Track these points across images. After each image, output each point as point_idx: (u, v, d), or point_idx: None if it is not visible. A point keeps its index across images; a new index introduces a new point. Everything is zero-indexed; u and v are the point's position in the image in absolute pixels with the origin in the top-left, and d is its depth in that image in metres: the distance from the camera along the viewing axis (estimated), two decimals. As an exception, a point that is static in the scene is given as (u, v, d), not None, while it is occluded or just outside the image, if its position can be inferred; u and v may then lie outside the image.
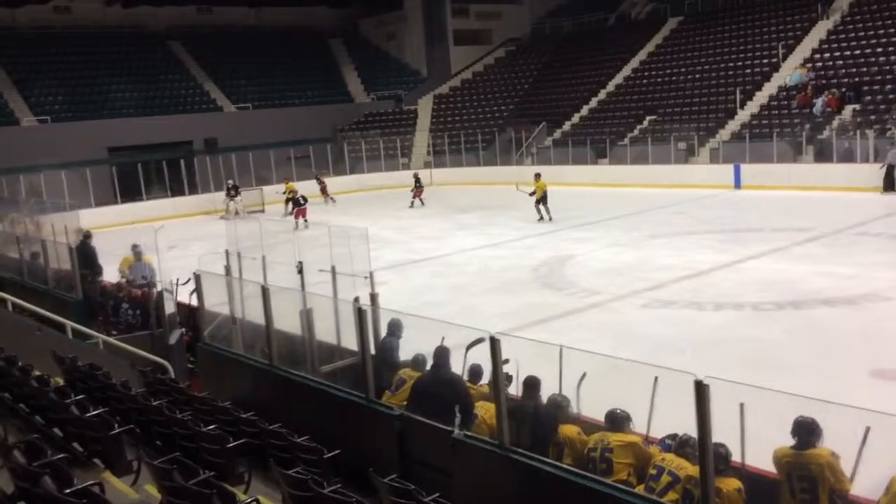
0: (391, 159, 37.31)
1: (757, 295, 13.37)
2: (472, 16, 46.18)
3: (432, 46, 45.57)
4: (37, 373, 7.69)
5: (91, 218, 23.46)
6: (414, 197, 29.36)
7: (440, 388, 6.81)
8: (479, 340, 6.57)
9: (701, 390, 4.39)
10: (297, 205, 26.45)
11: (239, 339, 9.38)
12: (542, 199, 23.40)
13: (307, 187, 29.48)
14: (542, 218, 23.35)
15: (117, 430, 6.13)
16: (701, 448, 4.57)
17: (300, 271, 10.21)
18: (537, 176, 24.03)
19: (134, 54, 39.73)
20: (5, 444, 5.43)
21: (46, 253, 13.77)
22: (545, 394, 6.20)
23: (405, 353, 7.88)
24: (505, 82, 42.61)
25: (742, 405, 5.08)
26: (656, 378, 5.42)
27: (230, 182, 30.30)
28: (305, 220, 25.45)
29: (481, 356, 6.44)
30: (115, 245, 16.36)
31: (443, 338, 7.02)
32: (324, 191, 30.99)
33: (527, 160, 34.79)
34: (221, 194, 30.68)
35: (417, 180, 29.74)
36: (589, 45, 40.91)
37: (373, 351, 7.47)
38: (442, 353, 6.95)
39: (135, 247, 14.39)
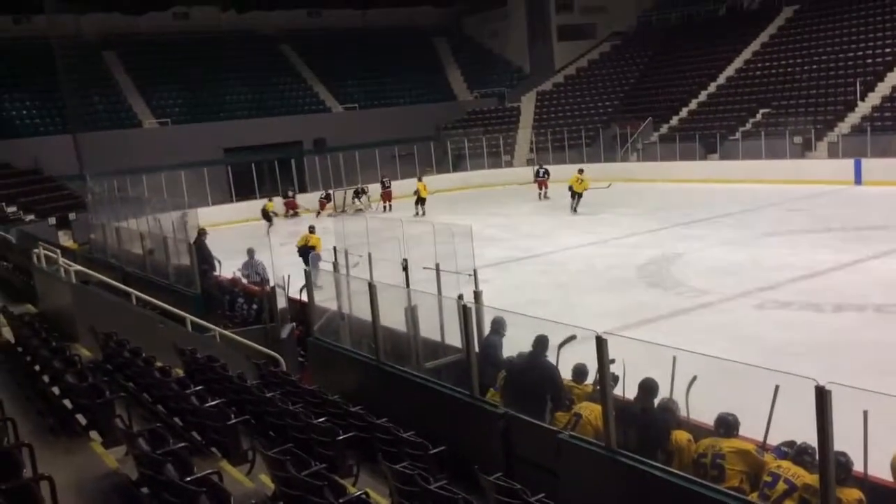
0: (494, 157, 37.31)
1: (880, 296, 12.68)
2: (577, 10, 45.54)
3: (535, 43, 45.28)
4: (159, 364, 8.08)
5: (208, 215, 24.56)
6: (541, 188, 29.80)
7: (531, 373, 6.87)
8: (572, 338, 6.51)
9: (822, 396, 4.21)
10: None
11: (347, 335, 9.60)
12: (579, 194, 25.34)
13: (408, 185, 29.97)
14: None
15: (234, 421, 6.37)
16: (821, 457, 4.40)
17: (405, 268, 10.36)
18: (581, 171, 26.13)
19: (247, 58, 41.26)
20: (130, 431, 5.73)
21: (167, 249, 14.45)
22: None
23: (509, 350, 7.87)
24: (610, 77, 41.87)
25: (866, 412, 4.85)
26: (777, 387, 5.21)
27: (361, 186, 31.32)
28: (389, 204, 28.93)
29: (587, 356, 6.37)
30: (231, 241, 17.06)
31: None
32: (386, 195, 30.63)
33: (632, 156, 34.12)
34: (340, 193, 31.47)
35: (546, 172, 30.14)
36: (698, 37, 39.69)
37: (477, 348, 7.50)
38: (540, 342, 6.94)
39: (249, 250, 15.02)
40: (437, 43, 47.91)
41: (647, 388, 5.90)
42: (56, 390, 7.22)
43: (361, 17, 45.84)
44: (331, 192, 31.65)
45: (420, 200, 28.30)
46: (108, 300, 11.58)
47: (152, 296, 12.26)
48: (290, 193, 31.67)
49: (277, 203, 30.22)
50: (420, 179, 29.60)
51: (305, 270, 10.55)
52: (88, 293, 11.42)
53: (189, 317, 11.28)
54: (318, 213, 29.68)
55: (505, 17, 46.62)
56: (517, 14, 45.83)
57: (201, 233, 15.05)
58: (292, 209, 31.12)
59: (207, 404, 6.53)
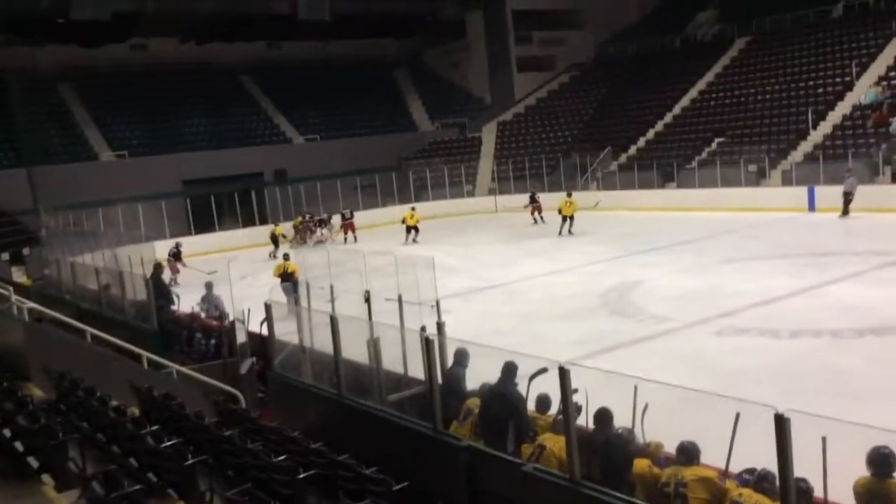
0: (456, 186, 37.49)
1: (836, 322, 12.89)
2: (536, 42, 46.28)
3: (496, 74, 45.84)
4: (115, 403, 7.89)
5: (166, 249, 24.21)
6: (534, 213, 30.25)
7: (498, 403, 6.84)
8: (543, 370, 6.50)
9: (781, 424, 4.24)
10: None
11: (308, 369, 9.48)
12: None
13: (373, 215, 29.94)
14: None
15: (191, 461, 6.22)
16: (782, 483, 4.41)
17: (367, 300, 10.29)
18: (570, 195, 27.53)
19: (207, 89, 41.08)
20: (84, 474, 5.57)
21: (123, 284, 14.20)
22: (617, 425, 6.08)
23: (472, 382, 7.83)
24: (569, 108, 42.49)
25: (824, 438, 4.89)
26: (738, 414, 5.24)
27: (326, 215, 31.09)
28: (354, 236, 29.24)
29: (550, 385, 6.36)
30: (189, 275, 16.82)
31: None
32: (348, 226, 30.45)
33: (592, 185, 34.51)
34: (290, 224, 31.26)
35: (535, 198, 30.65)
36: (654, 69, 40.51)
37: (440, 380, 7.45)
38: (508, 369, 6.92)
39: (208, 283, 14.84)
40: (399, 74, 48.24)
41: (603, 417, 5.94)
42: (7, 433, 7.00)
43: (322, 49, 46.01)
44: (325, 216, 31.31)
45: (412, 229, 28.50)
46: (61, 338, 11.31)
47: (108, 332, 12.01)
48: (347, 215, 31.04)
49: (286, 228, 30.02)
50: (413, 209, 29.72)
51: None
52: (41, 331, 11.15)
53: (145, 353, 11.06)
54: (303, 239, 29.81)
55: (465, 49, 47.17)
56: (477, 46, 46.41)
57: (158, 267, 14.84)
58: (351, 231, 30.43)
59: (164, 444, 6.38)
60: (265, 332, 10.35)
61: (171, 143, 37.24)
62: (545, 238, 26.21)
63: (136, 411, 8.41)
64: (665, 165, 32.30)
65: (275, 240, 28.29)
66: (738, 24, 39.08)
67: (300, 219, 31.01)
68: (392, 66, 48.25)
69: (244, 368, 11.35)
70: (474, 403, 7.33)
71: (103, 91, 38.75)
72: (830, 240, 21.09)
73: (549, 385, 6.20)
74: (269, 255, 26.55)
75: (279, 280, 16.91)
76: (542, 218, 29.95)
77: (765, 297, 15.01)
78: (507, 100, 44.83)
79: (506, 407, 6.77)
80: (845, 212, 23.85)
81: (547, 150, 38.38)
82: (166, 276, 21.53)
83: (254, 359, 11.63)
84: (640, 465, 5.66)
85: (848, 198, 23.68)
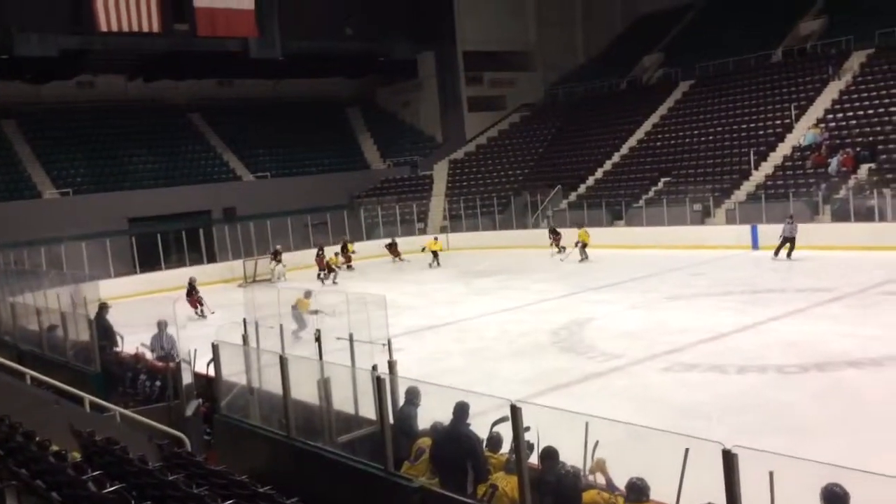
0: (408, 224, 37.54)
1: (781, 357, 13.16)
2: (486, 83, 46.96)
3: (447, 113, 46.30)
4: (55, 448, 7.62)
5: (111, 288, 23.66)
6: (555, 244, 30.19)
7: (453, 443, 6.76)
8: (505, 419, 6.46)
9: (729, 459, 4.29)
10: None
11: (256, 410, 9.30)
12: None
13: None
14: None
15: (134, 507, 6.03)
16: (731, 520, 4.44)
17: (318, 339, 10.18)
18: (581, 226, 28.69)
19: (155, 127, 40.61)
20: (20, 522, 5.35)
21: (66, 325, 13.82)
22: (568, 461, 6.08)
23: (424, 421, 7.77)
24: (519, 147, 43.07)
25: (771, 473, 4.94)
26: (687, 450, 5.29)
27: (278, 247, 30.79)
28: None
29: (501, 423, 6.34)
30: (134, 315, 16.46)
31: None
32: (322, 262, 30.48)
33: (543, 223, 34.88)
34: (239, 262, 30.90)
35: (556, 231, 30.82)
36: (602, 110, 41.40)
37: (391, 420, 7.37)
38: (461, 409, 6.86)
39: (160, 322, 14.50)
40: (350, 113, 48.41)
41: (549, 455, 5.94)
42: (-62, 480, 6.71)
43: (273, 88, 45.99)
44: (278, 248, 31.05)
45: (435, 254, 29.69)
46: (0, 380, 10.94)
47: (49, 375, 11.64)
48: (438, 237, 31.79)
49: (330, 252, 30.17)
50: (437, 239, 31.45)
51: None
52: (-22, 373, 10.76)
53: (87, 396, 10.74)
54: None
55: (417, 89, 47.60)
56: (428, 85, 46.89)
57: (102, 307, 14.47)
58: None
59: (106, 490, 6.18)
60: (212, 372, 10.15)
61: (117, 180, 36.65)
62: (496, 276, 26.33)
63: (77, 456, 8.13)
64: (614, 204, 32.86)
65: (329, 267, 28.85)
66: (682, 68, 40.23)
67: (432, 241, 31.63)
68: (344, 104, 48.41)
69: (190, 410, 11.08)
70: (425, 443, 7.26)
71: (48, 128, 38.04)
72: (773, 277, 21.61)
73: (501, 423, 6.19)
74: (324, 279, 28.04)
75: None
76: (563, 249, 29.53)
77: (711, 334, 15.28)
78: (458, 138, 45.27)
79: (462, 447, 6.71)
80: (777, 252, 24.35)
81: (498, 189, 38.76)
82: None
83: (200, 400, 11.36)
84: (590, 495, 5.68)
85: (785, 242, 24.18)
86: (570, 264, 27.40)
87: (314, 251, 30.37)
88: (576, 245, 28.13)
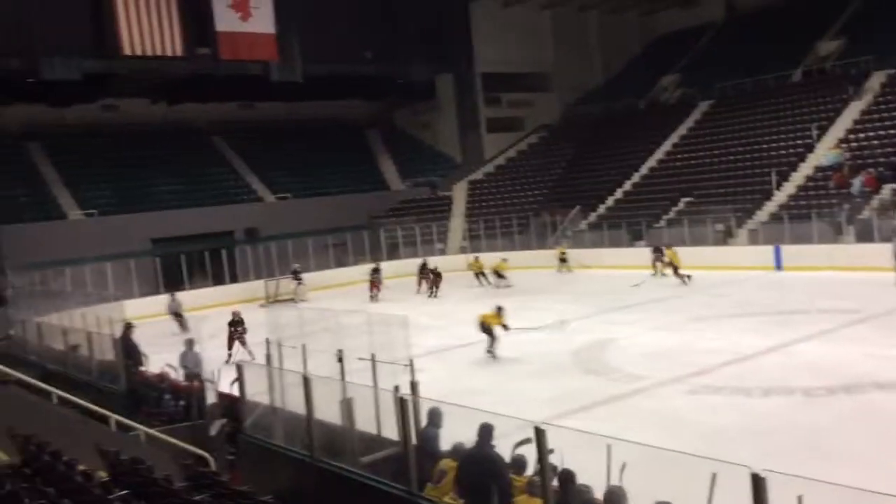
0: (428, 245, 37.61)
1: (807, 379, 13.01)
2: (504, 104, 47.19)
3: (466, 134, 46.50)
4: (82, 467, 7.70)
5: (135, 308, 23.85)
6: (656, 264, 27.70)
7: (477, 465, 6.73)
8: (528, 440, 6.44)
9: (758, 483, 4.26)
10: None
11: (280, 430, 9.33)
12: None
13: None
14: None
15: (160, 526, 6.07)
16: (760, 545, 4.40)
17: (340, 360, 10.20)
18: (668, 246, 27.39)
19: (178, 149, 41.09)
20: (49, 541, 5.40)
21: (91, 345, 13.97)
22: (592, 484, 6.05)
23: (446, 443, 7.76)
24: (538, 167, 43.10)
25: (800, 498, 4.90)
26: (714, 474, 5.26)
27: (297, 266, 30.85)
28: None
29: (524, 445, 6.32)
30: (157, 335, 16.60)
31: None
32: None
33: (563, 243, 34.83)
34: (261, 283, 31.04)
35: (660, 250, 28.03)
36: (620, 130, 41.36)
37: (414, 441, 7.37)
38: (486, 430, 6.84)
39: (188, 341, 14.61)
40: (369, 134, 48.75)
41: (565, 479, 5.94)
42: (-33, 499, 6.78)
43: (294, 110, 46.42)
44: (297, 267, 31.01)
45: (488, 273, 29.51)
46: (27, 400, 11.08)
47: (75, 394, 11.76)
48: (563, 245, 31.77)
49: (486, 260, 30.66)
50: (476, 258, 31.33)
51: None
52: (6, 393, 10.89)
53: (113, 415, 10.83)
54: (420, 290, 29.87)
55: (435, 110, 47.89)
56: (447, 107, 47.17)
57: (128, 327, 14.62)
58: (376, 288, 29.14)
59: (132, 510, 6.22)
60: (236, 392, 10.21)
61: (141, 202, 37.04)
62: (517, 296, 26.25)
63: (103, 475, 8.20)
64: (634, 224, 32.74)
65: (484, 275, 29.57)
66: (700, 88, 40.18)
67: (473, 260, 31.44)
68: (363, 126, 48.77)
69: (213, 430, 11.14)
70: (448, 465, 7.25)
71: (73, 150, 38.58)
72: (797, 298, 21.39)
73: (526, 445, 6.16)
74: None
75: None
76: (662, 271, 27.67)
77: (735, 356, 15.14)
78: (477, 159, 45.41)
79: (487, 469, 6.68)
80: None
81: (517, 209, 38.76)
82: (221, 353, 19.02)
83: (224, 420, 11.42)
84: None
85: None
86: (586, 285, 27.18)
87: (340, 270, 30.42)
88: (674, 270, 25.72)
